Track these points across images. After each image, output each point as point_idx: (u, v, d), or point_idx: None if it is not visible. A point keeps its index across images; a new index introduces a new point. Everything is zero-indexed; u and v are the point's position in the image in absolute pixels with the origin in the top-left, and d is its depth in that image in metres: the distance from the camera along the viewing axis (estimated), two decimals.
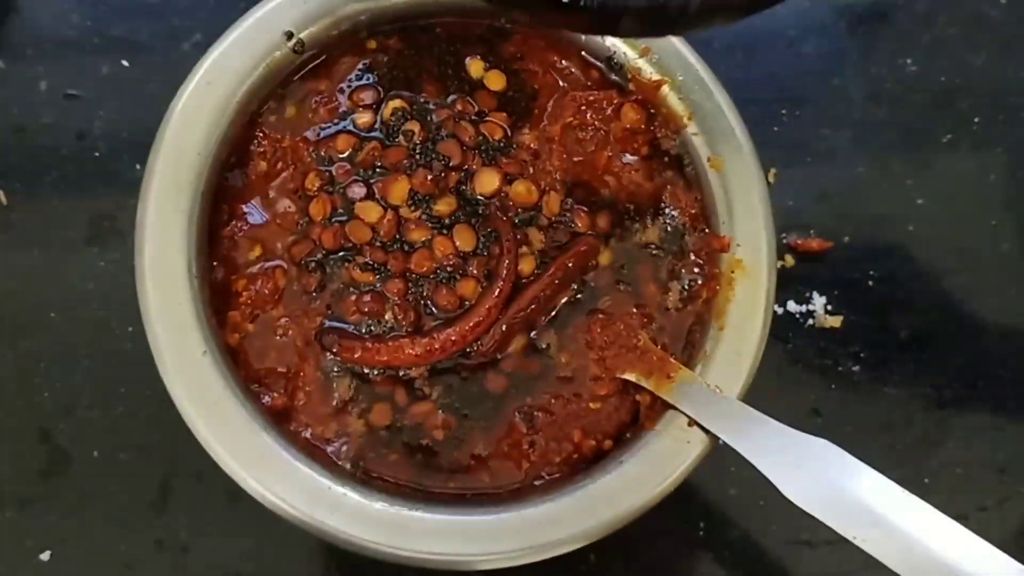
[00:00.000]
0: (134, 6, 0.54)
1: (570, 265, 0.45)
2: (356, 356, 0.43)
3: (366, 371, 0.44)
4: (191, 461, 0.49)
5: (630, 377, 0.43)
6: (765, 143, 0.46)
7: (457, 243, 0.45)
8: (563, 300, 0.45)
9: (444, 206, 0.45)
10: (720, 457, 0.41)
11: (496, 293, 0.44)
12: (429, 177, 0.45)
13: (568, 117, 0.47)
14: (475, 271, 0.45)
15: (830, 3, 0.56)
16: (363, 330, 0.44)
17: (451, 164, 0.45)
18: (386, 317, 0.44)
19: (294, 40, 0.44)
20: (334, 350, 0.43)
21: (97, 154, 0.52)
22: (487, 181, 0.45)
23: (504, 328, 0.44)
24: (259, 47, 0.44)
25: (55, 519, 0.49)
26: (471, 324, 0.43)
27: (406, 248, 0.45)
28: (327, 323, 0.44)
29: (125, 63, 0.53)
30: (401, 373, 0.44)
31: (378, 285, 0.44)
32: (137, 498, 0.49)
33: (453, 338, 0.43)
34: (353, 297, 0.44)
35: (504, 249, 0.44)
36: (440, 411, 0.44)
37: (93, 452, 0.49)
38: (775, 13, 0.56)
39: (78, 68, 0.53)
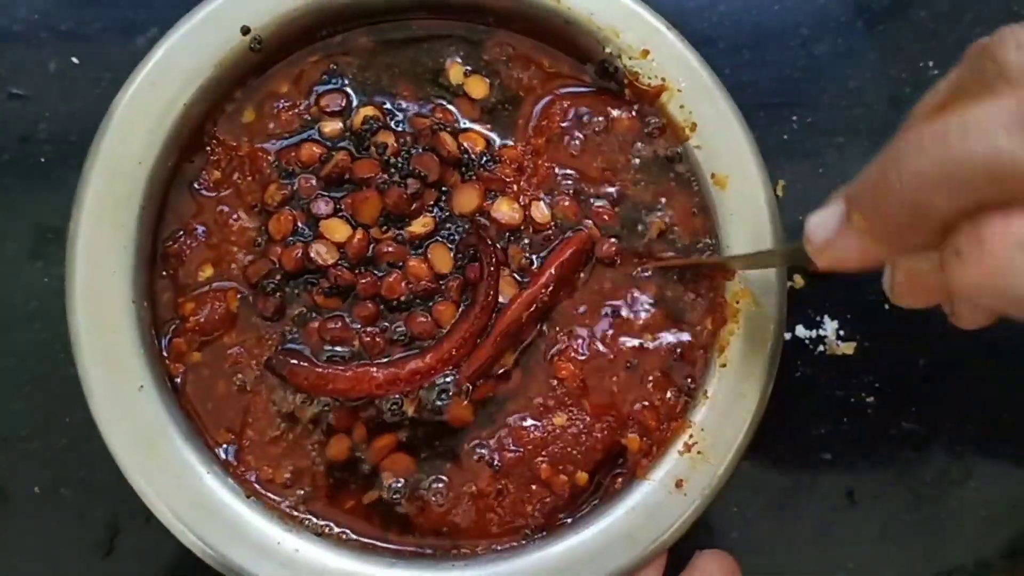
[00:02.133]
0: None
1: (563, 267, 0.41)
2: (306, 382, 0.39)
3: (324, 408, 0.39)
4: (141, 500, 0.44)
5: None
6: (774, 152, 0.42)
7: (433, 265, 0.40)
8: (563, 302, 0.42)
9: (420, 227, 0.41)
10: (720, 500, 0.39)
11: (471, 321, 0.39)
12: (404, 195, 0.40)
13: (555, 128, 0.42)
14: (453, 295, 0.40)
15: None
16: (323, 358, 0.40)
17: (428, 180, 0.41)
18: (353, 344, 0.40)
19: (251, 36, 0.40)
20: (283, 373, 0.39)
21: (42, 159, 0.48)
22: (467, 200, 0.41)
23: (491, 351, 0.40)
24: (211, 44, 0.40)
25: None
26: (440, 355, 0.39)
27: (376, 271, 0.40)
28: (282, 345, 0.40)
29: (74, 59, 0.49)
30: (362, 413, 0.40)
31: (344, 312, 0.40)
32: (81, 540, 0.46)
33: (420, 368, 0.39)
34: (315, 324, 0.40)
35: (484, 274, 0.40)
36: (402, 452, 0.39)
37: (33, 487, 0.46)
38: (786, 9, 0.52)
39: (23, 65, 0.49)
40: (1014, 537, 0.48)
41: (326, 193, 0.41)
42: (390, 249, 0.40)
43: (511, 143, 0.42)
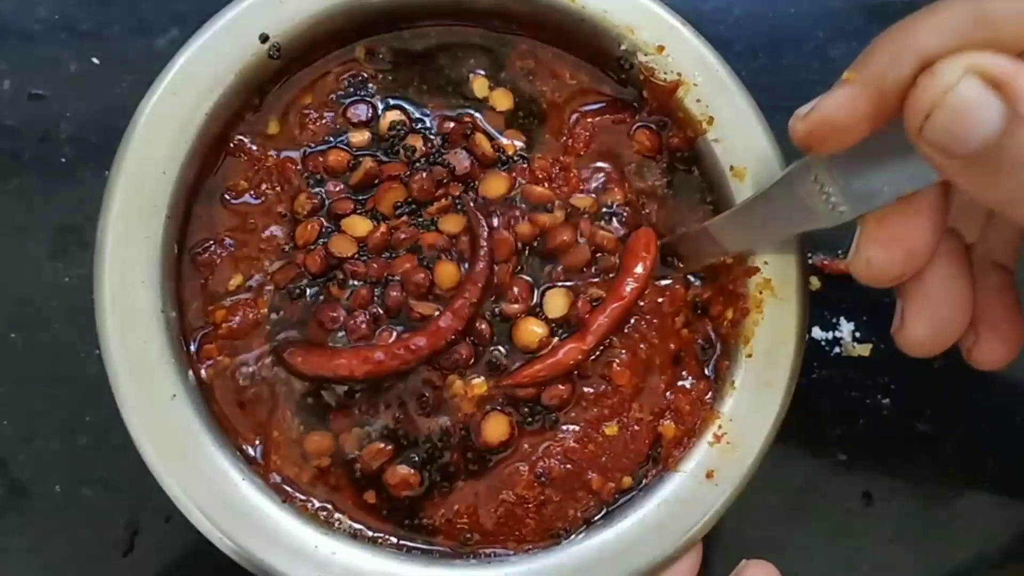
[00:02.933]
0: None
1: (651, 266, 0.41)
2: (306, 366, 0.39)
3: (349, 404, 0.40)
4: (161, 498, 0.44)
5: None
6: (790, 155, 0.42)
7: (444, 230, 0.41)
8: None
9: (437, 208, 0.41)
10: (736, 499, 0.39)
11: (474, 285, 0.40)
12: (428, 181, 0.41)
13: (580, 148, 0.42)
14: (455, 254, 0.41)
15: (862, 3, 0.51)
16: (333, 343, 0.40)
17: (456, 173, 0.41)
18: (360, 328, 0.40)
19: (269, 44, 0.40)
20: (284, 357, 0.39)
21: (63, 159, 0.48)
22: (495, 186, 0.41)
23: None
24: (231, 52, 0.40)
25: (11, 560, 0.46)
26: (443, 324, 0.39)
27: (390, 255, 0.41)
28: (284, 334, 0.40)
29: (95, 60, 0.49)
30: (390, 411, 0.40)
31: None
32: (101, 538, 0.46)
33: (424, 340, 0.39)
34: (329, 310, 0.40)
35: (478, 234, 0.40)
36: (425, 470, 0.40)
37: (54, 486, 0.46)
38: (802, 13, 0.52)
39: (43, 65, 0.49)
40: None
41: (351, 195, 0.41)
42: (404, 236, 0.41)
43: (541, 155, 0.43)
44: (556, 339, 0.41)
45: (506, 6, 0.42)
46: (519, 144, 0.42)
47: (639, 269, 0.41)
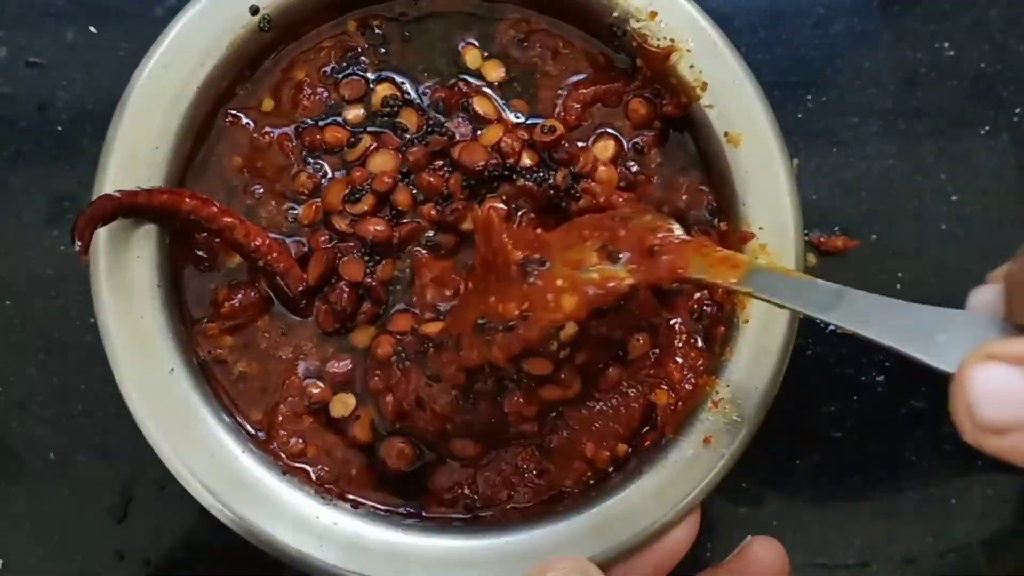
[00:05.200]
0: None
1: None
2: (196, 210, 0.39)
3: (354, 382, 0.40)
4: (155, 465, 0.44)
5: (696, 274, 0.35)
6: (788, 131, 0.42)
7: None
8: None
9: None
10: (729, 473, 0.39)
11: None
12: (425, 154, 0.41)
13: (573, 119, 0.42)
14: None
15: None
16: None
17: (456, 140, 0.41)
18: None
19: (260, 16, 0.40)
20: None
21: (59, 128, 0.48)
22: (491, 134, 0.42)
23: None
24: (221, 25, 0.40)
25: (6, 526, 0.46)
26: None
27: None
28: None
29: (92, 29, 0.49)
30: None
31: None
32: (95, 505, 0.46)
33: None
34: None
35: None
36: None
37: (48, 453, 0.46)
38: None
39: (41, 34, 0.49)
40: (1020, 516, 0.48)
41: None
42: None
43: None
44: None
45: None
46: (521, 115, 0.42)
47: None
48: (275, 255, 0.39)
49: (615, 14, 0.41)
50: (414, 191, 0.41)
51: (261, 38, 0.41)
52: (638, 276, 0.35)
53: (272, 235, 0.40)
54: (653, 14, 0.41)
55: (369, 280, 0.41)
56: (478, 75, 0.43)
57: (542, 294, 0.35)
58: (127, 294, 0.38)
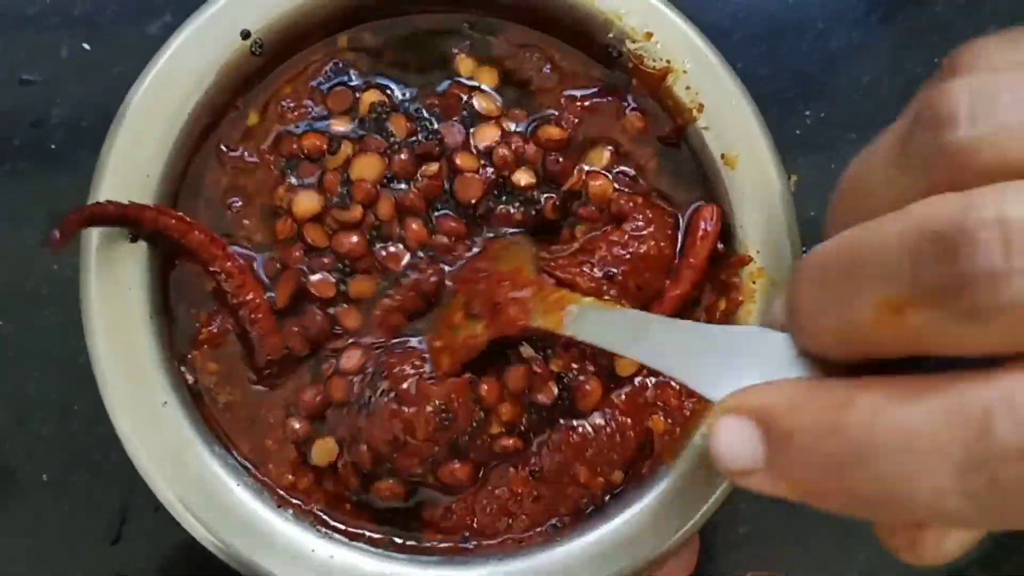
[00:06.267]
0: None
1: None
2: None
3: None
4: (150, 488, 0.44)
5: (536, 323, 0.37)
6: (787, 146, 0.42)
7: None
8: None
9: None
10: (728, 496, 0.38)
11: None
12: (409, 157, 0.41)
13: (566, 132, 0.42)
14: None
15: None
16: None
17: (449, 146, 0.41)
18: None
19: (252, 40, 0.39)
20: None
21: (54, 145, 0.48)
22: (488, 133, 0.41)
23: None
24: (212, 50, 0.39)
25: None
26: None
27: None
28: None
29: (86, 46, 0.49)
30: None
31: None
32: (89, 526, 0.46)
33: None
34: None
35: None
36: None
37: (43, 474, 0.46)
38: (801, 2, 0.51)
39: (34, 50, 0.49)
40: (1018, 533, 0.48)
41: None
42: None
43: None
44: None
45: None
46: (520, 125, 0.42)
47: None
48: (260, 316, 0.39)
49: (611, 35, 0.41)
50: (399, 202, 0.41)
51: (253, 62, 0.40)
52: (490, 331, 0.37)
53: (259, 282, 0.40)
54: (649, 35, 0.40)
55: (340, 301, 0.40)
56: (472, 81, 0.42)
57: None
58: (119, 327, 0.38)
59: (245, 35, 0.39)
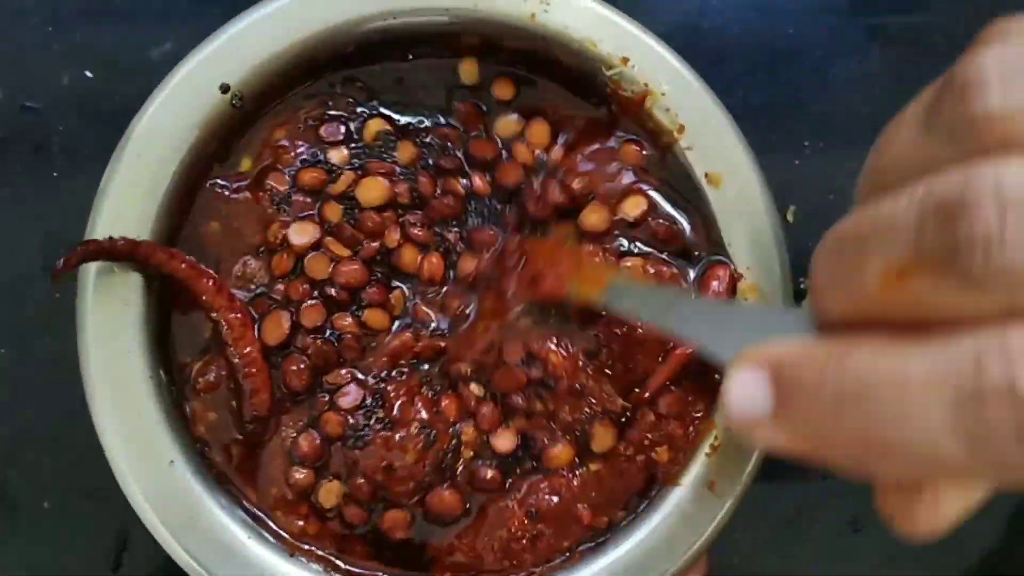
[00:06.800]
0: (99, 9, 0.49)
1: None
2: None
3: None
4: None
5: (573, 291, 0.38)
6: (785, 178, 0.42)
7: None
8: None
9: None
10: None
11: None
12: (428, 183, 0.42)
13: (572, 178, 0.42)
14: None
15: (861, 22, 0.51)
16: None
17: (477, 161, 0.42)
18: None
19: (231, 93, 0.40)
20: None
21: (55, 173, 0.48)
22: (511, 173, 0.42)
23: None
24: (191, 107, 0.39)
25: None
26: None
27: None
28: None
29: (88, 73, 0.49)
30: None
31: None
32: (89, 554, 0.46)
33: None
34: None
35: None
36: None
37: (43, 501, 0.46)
38: (800, 32, 0.51)
39: (36, 77, 0.49)
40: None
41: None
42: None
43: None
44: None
45: (465, 33, 0.41)
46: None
47: None
48: (254, 371, 0.39)
49: (588, 61, 0.41)
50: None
51: (234, 114, 0.40)
52: (528, 295, 0.40)
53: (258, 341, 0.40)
54: (625, 60, 0.40)
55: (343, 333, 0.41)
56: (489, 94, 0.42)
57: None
58: (120, 388, 0.38)
59: (224, 89, 0.39)
